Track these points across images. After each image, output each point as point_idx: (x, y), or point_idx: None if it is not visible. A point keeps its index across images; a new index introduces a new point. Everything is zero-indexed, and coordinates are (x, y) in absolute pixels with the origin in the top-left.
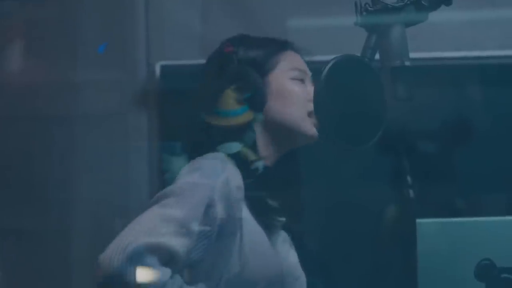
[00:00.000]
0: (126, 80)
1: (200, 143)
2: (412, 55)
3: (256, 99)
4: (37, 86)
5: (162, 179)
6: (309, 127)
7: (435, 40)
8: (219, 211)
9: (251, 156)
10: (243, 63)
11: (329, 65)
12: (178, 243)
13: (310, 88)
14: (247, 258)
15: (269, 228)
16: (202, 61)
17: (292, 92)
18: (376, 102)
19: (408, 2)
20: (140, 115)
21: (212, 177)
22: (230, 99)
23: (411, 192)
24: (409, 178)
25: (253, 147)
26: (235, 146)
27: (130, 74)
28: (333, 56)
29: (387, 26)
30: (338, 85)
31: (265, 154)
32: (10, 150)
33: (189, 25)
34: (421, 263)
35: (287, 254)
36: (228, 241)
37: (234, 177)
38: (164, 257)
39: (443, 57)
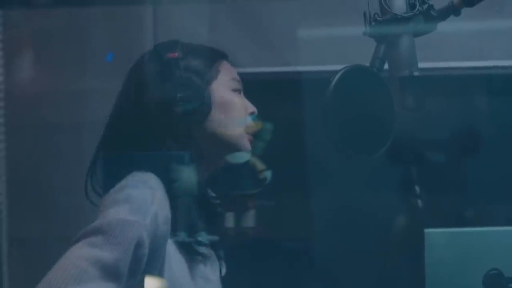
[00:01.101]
0: None
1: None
2: (421, 65)
3: (200, 109)
4: (46, 95)
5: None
6: (246, 143)
7: (444, 50)
8: (146, 249)
9: (259, 166)
10: (187, 71)
11: (338, 75)
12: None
13: (246, 101)
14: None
15: (192, 255)
16: None
17: (233, 104)
18: (384, 112)
19: (417, 12)
20: None
21: (141, 213)
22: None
23: (419, 202)
24: (417, 188)
25: (262, 156)
26: (244, 156)
27: None
28: (342, 66)
29: (396, 36)
30: (347, 95)
31: (201, 167)
32: (19, 158)
33: (197, 34)
34: (429, 272)
35: (212, 277)
36: (152, 275)
37: (162, 208)
38: None
39: (452, 67)
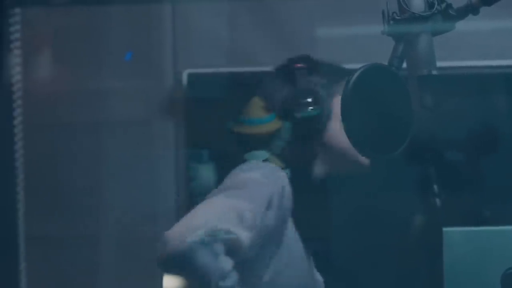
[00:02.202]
0: (153, 88)
1: (227, 151)
2: (439, 64)
3: (320, 116)
4: (64, 94)
5: (189, 187)
6: (362, 158)
7: (462, 49)
8: (273, 215)
9: (278, 164)
10: (315, 83)
11: (357, 74)
12: (245, 236)
13: None
14: (282, 267)
15: (306, 242)
16: (229, 69)
17: None
18: (403, 111)
19: (436, 12)
20: (167, 123)
21: (273, 179)
22: (257, 107)
23: (437, 201)
24: (435, 187)
25: (281, 155)
26: (263, 154)
27: (156, 82)
28: (360, 65)
29: (415, 35)
30: (365, 93)
31: (319, 171)
32: (37, 157)
33: (216, 33)
34: (447, 271)
35: (315, 275)
36: (269, 248)
37: (287, 186)
38: (231, 247)
39: (470, 66)
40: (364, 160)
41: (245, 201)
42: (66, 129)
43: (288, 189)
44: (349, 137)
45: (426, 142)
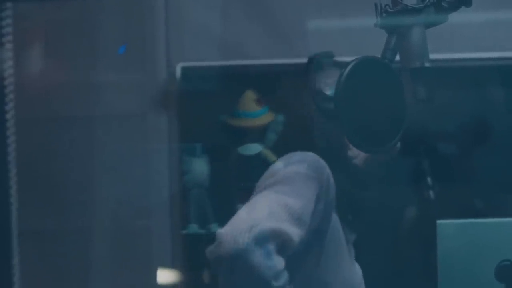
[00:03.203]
0: (146, 82)
1: (220, 144)
2: (432, 56)
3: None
4: (58, 87)
5: (182, 180)
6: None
7: (455, 41)
8: (322, 208)
9: (271, 157)
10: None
11: (349, 66)
12: (295, 233)
13: None
14: (327, 258)
15: (346, 235)
16: (222, 62)
17: None
18: (396, 103)
19: (428, 4)
20: (160, 116)
21: (319, 171)
22: (250, 101)
23: (431, 193)
24: (429, 179)
25: (274, 148)
26: (256, 147)
27: (150, 75)
28: (353, 58)
29: (407, 28)
30: (358, 86)
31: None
32: (30, 152)
33: (209, 27)
34: (441, 263)
35: (355, 266)
36: (318, 238)
37: (331, 176)
38: (283, 244)
39: (463, 58)
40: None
41: (294, 197)
42: (59, 123)
43: (331, 179)
44: (342, 130)
45: (419, 134)
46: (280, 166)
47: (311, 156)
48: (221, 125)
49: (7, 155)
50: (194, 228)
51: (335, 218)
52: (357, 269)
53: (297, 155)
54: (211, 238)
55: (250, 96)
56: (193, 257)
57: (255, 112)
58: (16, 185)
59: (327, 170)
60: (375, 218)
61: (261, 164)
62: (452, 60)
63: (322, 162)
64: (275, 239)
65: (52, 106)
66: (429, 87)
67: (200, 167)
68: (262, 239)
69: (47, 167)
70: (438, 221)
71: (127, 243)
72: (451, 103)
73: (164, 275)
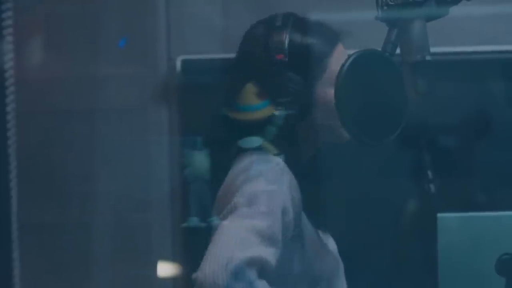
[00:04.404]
0: (147, 75)
1: (220, 137)
2: (433, 49)
3: (299, 109)
4: (58, 81)
5: (183, 174)
6: (343, 133)
7: (456, 35)
8: (291, 215)
9: (272, 150)
10: (291, 75)
11: (350, 59)
12: (269, 254)
13: None
14: (309, 256)
15: (317, 225)
16: (223, 55)
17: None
18: (396, 96)
19: None
20: (161, 109)
21: (278, 183)
22: (251, 93)
23: (431, 187)
24: (430, 173)
25: (274, 141)
26: (256, 141)
27: (151, 68)
28: (354, 51)
29: (408, 21)
30: (358, 80)
31: (303, 153)
32: (31, 145)
33: (210, 20)
34: (442, 257)
35: (332, 248)
36: (295, 243)
37: (293, 179)
38: (261, 269)
39: (464, 51)
40: (345, 136)
41: (259, 218)
42: (60, 116)
43: (294, 183)
44: (342, 124)
45: (420, 128)
46: (237, 183)
47: (268, 166)
48: (222, 118)
49: (7, 148)
50: (194, 221)
51: (304, 217)
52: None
53: (253, 168)
54: (211, 231)
55: (250, 89)
56: (193, 250)
57: (255, 105)
58: (16, 179)
59: (287, 176)
60: (375, 212)
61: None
62: (453, 54)
63: (279, 170)
64: (253, 266)
65: (52, 100)
66: (430, 80)
67: (200, 160)
68: (240, 272)
69: (47, 160)
70: (439, 215)
71: (127, 236)
72: (452, 96)
73: (164, 268)
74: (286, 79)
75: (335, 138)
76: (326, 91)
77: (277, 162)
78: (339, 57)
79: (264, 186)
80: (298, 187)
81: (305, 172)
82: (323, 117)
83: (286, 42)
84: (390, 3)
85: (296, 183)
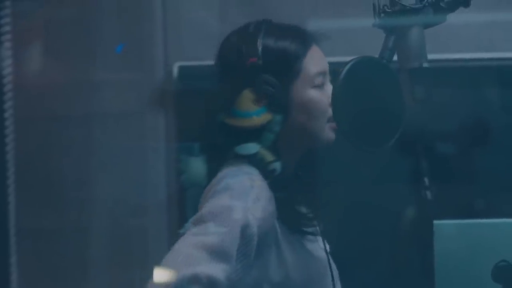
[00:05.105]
0: (144, 81)
1: (217, 144)
2: (430, 56)
3: (278, 111)
4: (56, 86)
5: (179, 180)
6: (329, 134)
7: (453, 42)
8: (255, 229)
9: (268, 157)
10: (266, 77)
11: (347, 66)
12: (218, 270)
13: (329, 90)
14: (286, 265)
15: (298, 232)
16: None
17: (314, 103)
18: (394, 103)
19: (426, 4)
20: (158, 115)
21: (243, 197)
22: (247, 100)
23: (428, 194)
24: (426, 180)
25: (271, 148)
26: (253, 147)
27: (147, 74)
28: (351, 58)
29: (405, 28)
30: (356, 86)
31: (286, 157)
32: (28, 150)
33: (207, 26)
34: (438, 264)
35: (318, 254)
36: (266, 254)
37: (263, 190)
38: (206, 285)
39: (461, 58)
40: (330, 137)
41: (212, 234)
42: (57, 121)
43: (265, 195)
44: (340, 130)
45: (417, 134)
46: (207, 197)
47: (237, 180)
48: (219, 125)
49: (5, 154)
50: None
51: (280, 227)
52: (320, 253)
53: (223, 182)
54: None
55: (247, 95)
56: None
57: (252, 111)
58: (14, 184)
59: (256, 189)
60: (372, 218)
61: (258, 164)
62: (450, 61)
63: (247, 183)
64: (197, 283)
65: (50, 105)
66: (427, 87)
67: (197, 166)
68: None
69: (45, 166)
70: (435, 222)
71: (124, 241)
72: (449, 103)
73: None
74: (261, 81)
75: (317, 141)
76: (303, 92)
77: (249, 173)
78: (314, 58)
79: (227, 201)
80: (272, 198)
81: (296, 177)
82: (302, 119)
83: (259, 45)
84: (388, 10)
85: (269, 194)
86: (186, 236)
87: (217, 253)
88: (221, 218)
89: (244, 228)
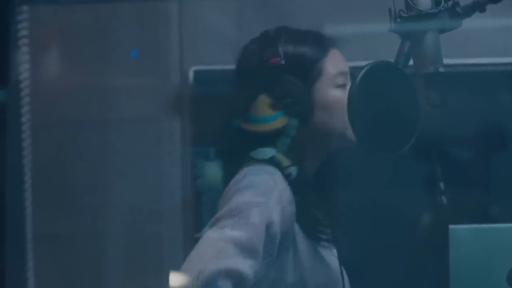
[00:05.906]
0: (160, 85)
1: (233, 148)
2: (446, 61)
3: (301, 112)
4: (71, 91)
5: (195, 184)
6: (351, 134)
7: (468, 47)
8: (278, 228)
9: (285, 161)
10: (288, 77)
11: (363, 71)
12: (246, 265)
13: None
14: (301, 269)
15: (314, 237)
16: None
17: (336, 103)
18: (409, 108)
19: (442, 9)
20: (173, 120)
21: (267, 195)
22: (264, 105)
23: (444, 198)
24: (442, 184)
25: (287, 152)
26: (269, 152)
27: (163, 79)
28: (367, 62)
29: (421, 33)
30: (371, 91)
31: (308, 161)
32: (44, 155)
33: (223, 30)
34: (453, 269)
35: (331, 261)
36: (285, 255)
37: (285, 191)
38: (235, 280)
39: (477, 63)
40: (352, 136)
41: (240, 229)
42: (73, 126)
43: (286, 195)
44: (355, 135)
45: (432, 139)
46: (230, 194)
47: (260, 178)
48: (235, 129)
49: (22, 159)
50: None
51: (297, 229)
52: (334, 263)
53: (245, 180)
54: None
55: (264, 100)
56: None
57: (269, 116)
58: (31, 189)
59: (278, 188)
60: (387, 223)
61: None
62: (465, 65)
63: (270, 182)
64: (228, 278)
65: (66, 110)
66: (442, 92)
67: (213, 171)
68: (212, 283)
69: (61, 171)
70: (451, 226)
71: (139, 246)
72: (465, 108)
73: (176, 279)
74: (284, 82)
75: (341, 140)
76: (326, 92)
77: (271, 173)
78: (335, 60)
79: (252, 198)
80: (293, 201)
81: (315, 182)
82: (326, 119)
83: (280, 48)
84: (403, 15)
85: (290, 195)
86: (213, 230)
87: (247, 249)
88: (247, 214)
89: (269, 226)
